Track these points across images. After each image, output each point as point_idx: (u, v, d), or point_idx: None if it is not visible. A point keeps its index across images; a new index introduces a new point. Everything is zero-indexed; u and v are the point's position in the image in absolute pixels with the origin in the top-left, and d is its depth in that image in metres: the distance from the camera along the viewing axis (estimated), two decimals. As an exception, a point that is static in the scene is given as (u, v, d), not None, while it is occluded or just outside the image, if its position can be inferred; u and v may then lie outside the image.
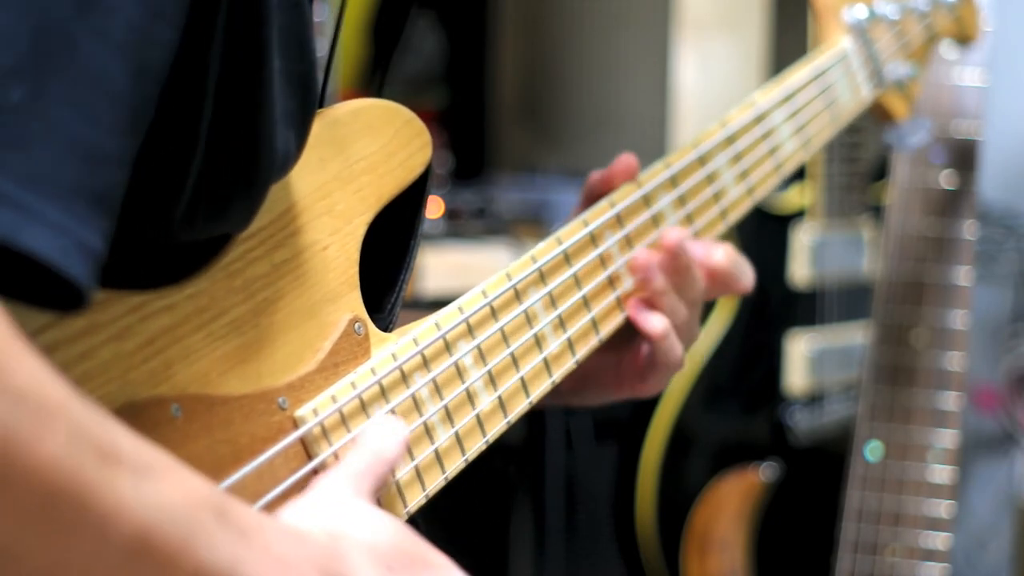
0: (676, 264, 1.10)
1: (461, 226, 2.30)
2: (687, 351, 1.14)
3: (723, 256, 1.14)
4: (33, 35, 0.62)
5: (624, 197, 1.09)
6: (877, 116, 1.41)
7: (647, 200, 1.11)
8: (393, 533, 0.80)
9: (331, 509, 0.79)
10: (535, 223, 2.38)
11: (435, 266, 2.09)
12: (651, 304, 1.09)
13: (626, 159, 1.11)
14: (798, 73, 1.26)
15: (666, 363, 1.10)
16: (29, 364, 0.60)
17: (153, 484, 0.64)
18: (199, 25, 0.71)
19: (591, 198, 1.12)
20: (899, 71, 1.37)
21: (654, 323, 1.09)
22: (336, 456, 0.84)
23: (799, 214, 2.21)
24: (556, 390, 1.11)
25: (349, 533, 0.78)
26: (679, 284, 1.10)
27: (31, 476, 0.59)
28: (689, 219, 1.14)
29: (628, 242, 1.09)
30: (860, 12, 1.33)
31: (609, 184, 1.11)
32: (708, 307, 2.21)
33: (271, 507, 0.80)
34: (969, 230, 1.90)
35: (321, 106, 0.90)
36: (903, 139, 1.44)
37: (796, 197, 2.21)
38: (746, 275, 1.16)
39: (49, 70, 0.62)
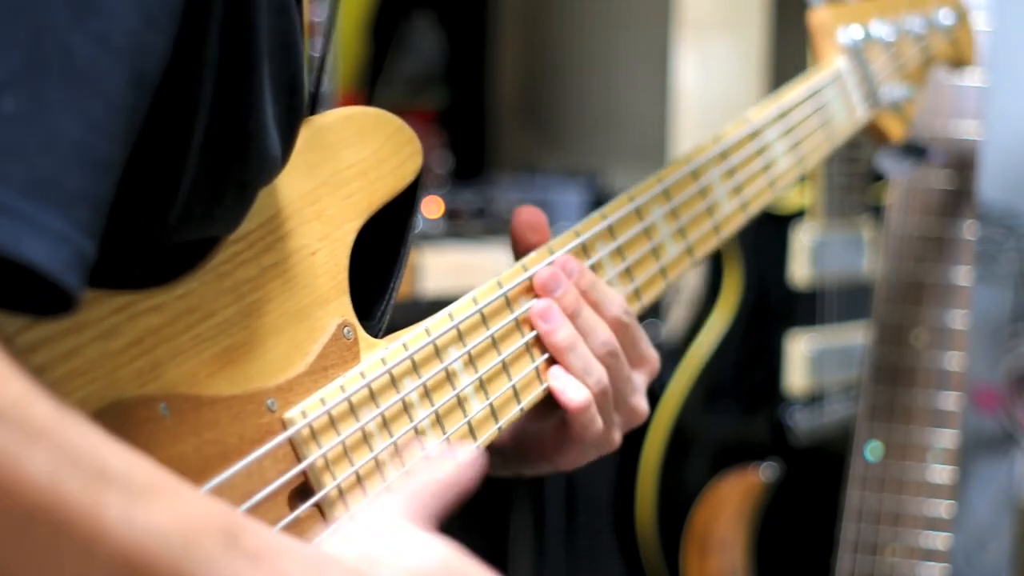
0: (564, 303, 1.00)
1: (461, 226, 2.30)
2: (626, 429, 1.05)
3: (619, 306, 1.04)
4: (28, 43, 0.62)
5: (616, 209, 1.10)
6: (873, 137, 1.41)
7: (639, 213, 1.11)
8: (440, 556, 0.77)
9: (377, 532, 0.78)
10: (535, 223, 2.37)
11: (435, 266, 2.09)
12: (566, 367, 1.00)
13: (526, 214, 1.04)
14: (793, 91, 1.27)
15: (581, 438, 1.01)
16: (13, 383, 0.60)
17: (144, 507, 0.63)
18: (192, 30, 0.71)
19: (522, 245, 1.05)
20: (895, 93, 1.38)
21: (571, 393, 0.99)
22: (326, 458, 0.84)
23: (799, 214, 2.21)
24: (503, 457, 1.06)
25: (387, 557, 0.76)
26: (581, 329, 1.01)
27: (12, 497, 0.59)
28: (682, 233, 1.14)
29: (620, 253, 1.09)
30: (855, 33, 1.34)
31: (521, 243, 1.04)
32: (708, 307, 2.22)
33: (258, 508, 0.80)
34: (969, 230, 1.90)
35: (314, 108, 0.91)
36: (896, 164, 1.44)
37: (796, 197, 2.21)
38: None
39: (45, 77, 0.62)
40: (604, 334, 1.02)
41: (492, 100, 2.91)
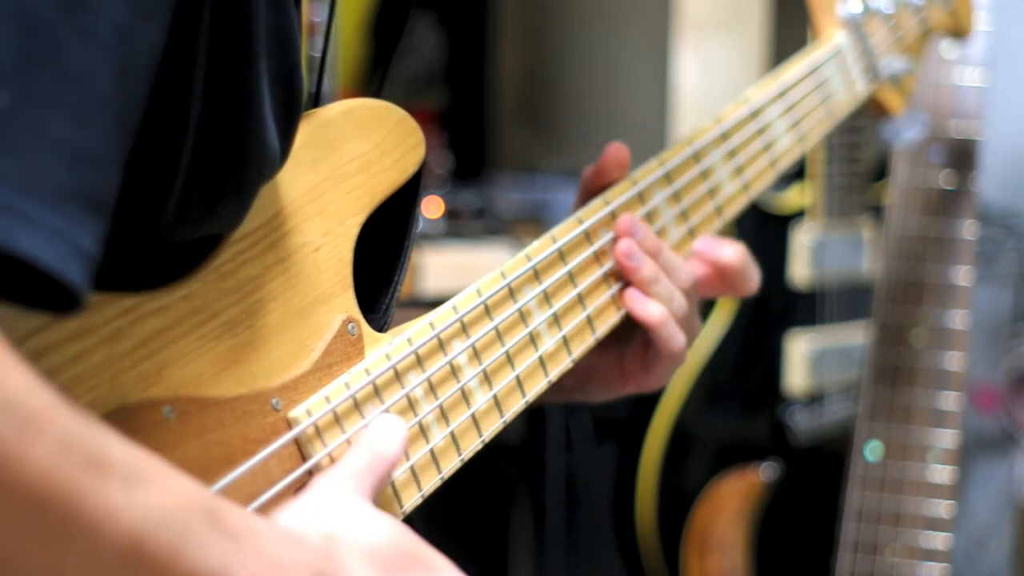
0: (648, 247, 1.09)
1: (461, 226, 2.30)
2: (689, 346, 1.13)
3: (732, 253, 1.14)
4: (17, 40, 0.62)
5: (619, 194, 1.10)
6: (872, 111, 1.41)
7: (641, 197, 1.11)
8: (391, 534, 0.80)
9: (329, 510, 0.79)
10: (535, 223, 2.38)
11: (435, 266, 2.09)
12: (646, 293, 1.09)
13: (615, 149, 1.11)
14: (793, 68, 1.26)
15: (668, 353, 1.09)
16: (16, 373, 0.61)
17: (144, 489, 0.64)
18: (186, 23, 0.71)
19: (587, 194, 1.12)
20: (894, 65, 1.37)
21: (651, 310, 1.08)
22: (331, 457, 0.84)
23: (799, 214, 2.21)
24: (559, 386, 1.11)
25: (345, 535, 0.78)
26: (665, 268, 1.10)
27: (20, 485, 0.60)
28: (684, 215, 1.14)
29: None
30: (855, 6, 1.33)
31: (602, 177, 1.11)
32: (708, 307, 2.21)
33: (266, 508, 0.80)
34: (969, 230, 1.90)
35: (316, 106, 0.90)
36: (899, 134, 1.43)
37: (796, 197, 2.21)
38: (753, 276, 1.16)
39: (36, 74, 0.62)
40: (685, 269, 1.11)
41: (492, 100, 2.91)
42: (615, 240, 1.09)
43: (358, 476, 0.82)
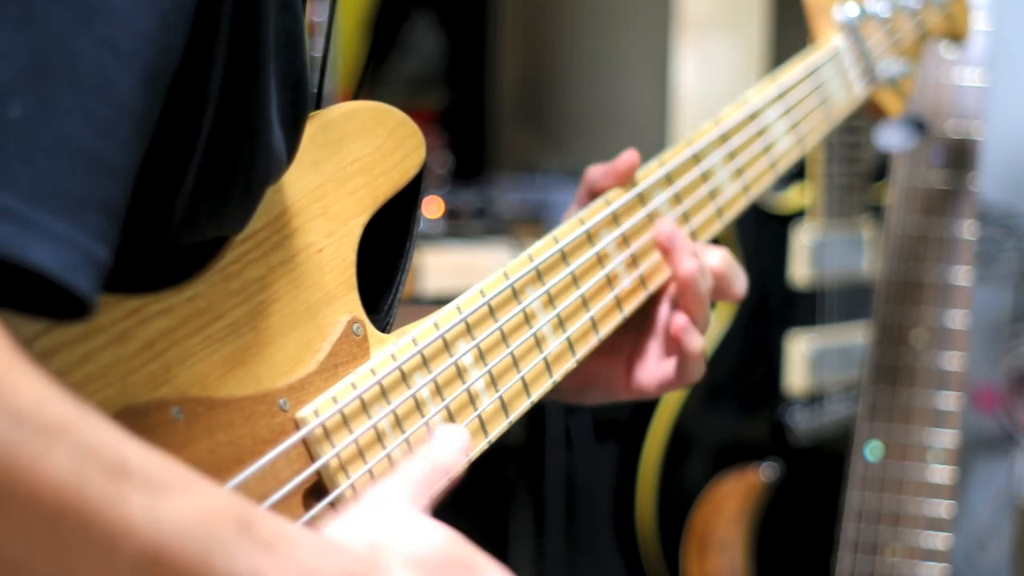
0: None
1: (461, 226, 2.30)
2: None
3: (719, 259, 1.14)
4: (33, 49, 0.62)
5: (620, 195, 1.10)
6: (870, 113, 1.42)
7: (642, 198, 1.12)
8: (440, 541, 0.79)
9: (380, 517, 0.78)
10: (535, 223, 2.38)
11: (435, 266, 2.09)
12: (691, 298, 1.11)
13: (629, 157, 1.11)
14: (791, 71, 1.27)
15: (686, 376, 1.12)
16: (30, 382, 0.60)
17: (166, 500, 0.63)
18: (204, 30, 0.71)
19: (589, 194, 1.12)
20: (892, 68, 1.38)
21: (695, 344, 1.11)
22: (339, 458, 0.84)
23: (799, 214, 2.21)
24: (556, 388, 1.11)
25: (392, 543, 0.77)
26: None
27: (34, 496, 0.59)
28: (685, 217, 1.15)
29: (624, 240, 1.09)
30: (851, 10, 1.34)
31: (610, 181, 1.11)
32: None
33: (274, 509, 0.79)
34: (969, 230, 1.90)
35: (318, 107, 0.90)
36: (894, 138, 1.44)
37: (796, 197, 2.21)
38: (739, 280, 1.16)
39: (52, 83, 0.62)
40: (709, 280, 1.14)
41: (492, 100, 2.91)
42: (617, 242, 1.09)
43: (415, 486, 0.81)
